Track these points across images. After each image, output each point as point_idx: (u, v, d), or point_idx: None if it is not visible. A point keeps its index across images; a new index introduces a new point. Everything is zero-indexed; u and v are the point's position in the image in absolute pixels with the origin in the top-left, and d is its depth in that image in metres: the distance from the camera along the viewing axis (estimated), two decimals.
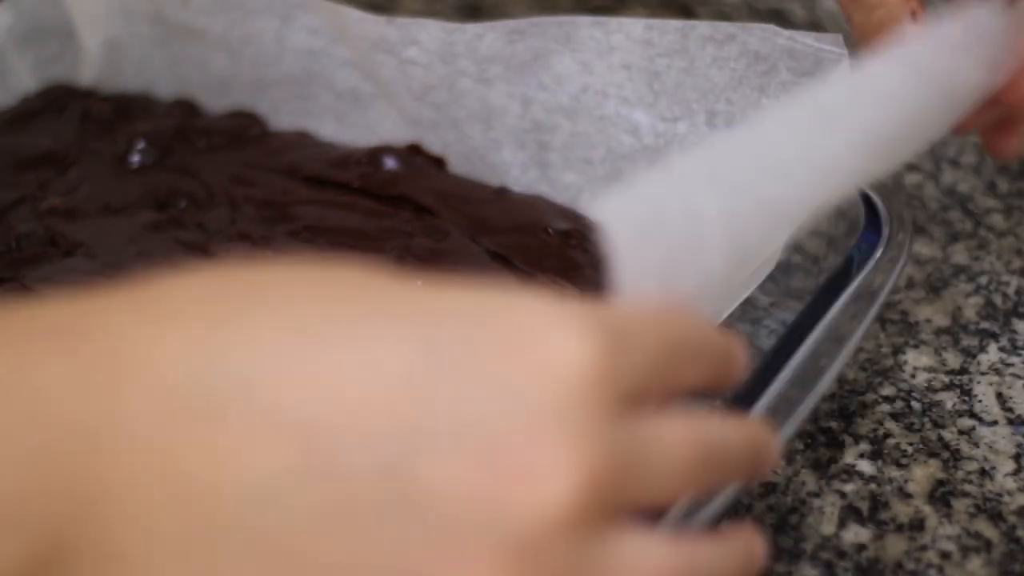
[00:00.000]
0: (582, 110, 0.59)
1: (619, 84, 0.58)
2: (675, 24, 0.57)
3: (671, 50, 0.57)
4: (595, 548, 0.33)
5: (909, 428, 0.56)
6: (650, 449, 0.34)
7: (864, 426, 0.56)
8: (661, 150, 0.58)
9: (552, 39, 0.59)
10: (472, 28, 0.60)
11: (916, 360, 0.58)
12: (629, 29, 0.58)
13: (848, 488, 0.53)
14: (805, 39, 0.54)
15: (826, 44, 0.54)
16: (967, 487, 0.53)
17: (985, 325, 0.60)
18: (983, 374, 0.58)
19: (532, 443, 0.32)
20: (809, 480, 0.54)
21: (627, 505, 0.34)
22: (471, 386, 0.32)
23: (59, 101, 0.68)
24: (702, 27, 0.56)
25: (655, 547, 0.35)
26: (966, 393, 0.57)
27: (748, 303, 0.60)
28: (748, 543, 0.38)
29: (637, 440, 0.34)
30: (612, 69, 0.58)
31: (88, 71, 0.69)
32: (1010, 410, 0.56)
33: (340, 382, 0.32)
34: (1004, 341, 0.59)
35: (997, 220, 0.65)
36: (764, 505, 0.52)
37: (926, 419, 0.56)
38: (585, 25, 0.58)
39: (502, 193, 0.61)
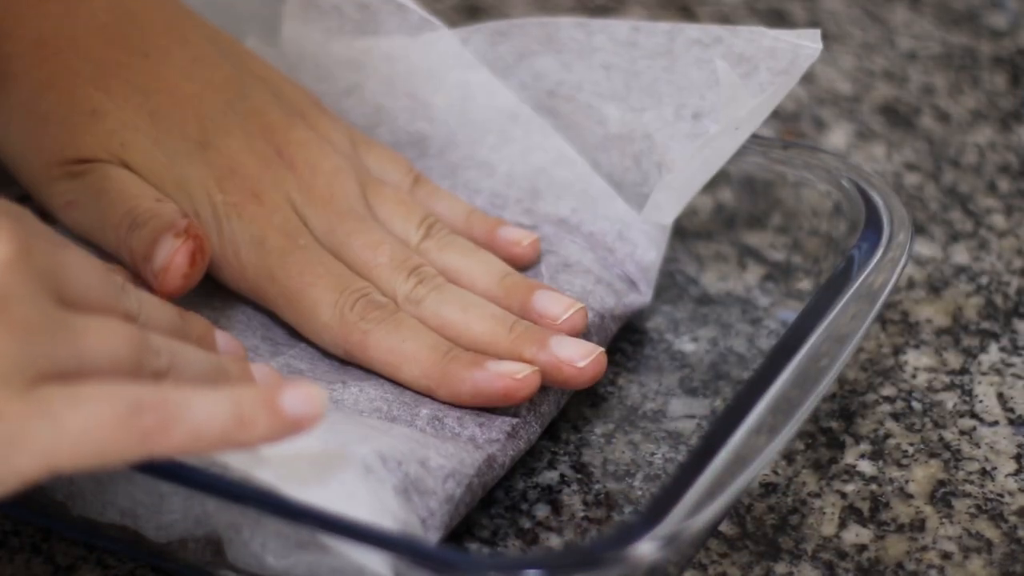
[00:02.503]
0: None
1: (595, 81, 0.58)
2: (663, 27, 0.57)
3: (655, 52, 0.57)
4: (54, 309, 0.40)
5: (910, 428, 0.56)
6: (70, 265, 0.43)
7: (865, 426, 0.56)
8: (626, 137, 0.58)
9: (535, 40, 0.59)
10: (458, 32, 0.60)
11: (917, 360, 0.58)
12: (613, 31, 0.58)
13: (849, 488, 0.53)
14: (787, 37, 0.55)
15: (804, 40, 0.55)
16: (968, 487, 0.53)
17: (986, 325, 0.60)
18: (984, 374, 0.58)
19: None
20: (810, 480, 0.53)
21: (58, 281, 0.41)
22: None
23: None
24: (690, 30, 0.57)
25: (119, 323, 0.42)
26: (967, 393, 0.57)
27: (748, 303, 0.60)
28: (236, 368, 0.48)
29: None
30: (591, 68, 0.58)
31: None
32: (1011, 410, 0.56)
33: None
34: (1005, 341, 0.59)
35: (998, 220, 0.65)
36: (765, 505, 0.52)
37: (927, 419, 0.56)
38: (567, 26, 0.59)
39: None
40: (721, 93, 0.56)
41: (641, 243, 0.57)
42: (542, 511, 0.52)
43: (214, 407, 0.40)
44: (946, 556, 0.51)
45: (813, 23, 0.79)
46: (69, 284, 0.42)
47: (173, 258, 0.51)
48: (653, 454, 0.54)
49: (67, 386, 0.39)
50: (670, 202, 0.57)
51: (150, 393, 0.40)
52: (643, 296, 0.57)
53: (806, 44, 0.55)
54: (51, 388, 0.39)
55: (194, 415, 0.40)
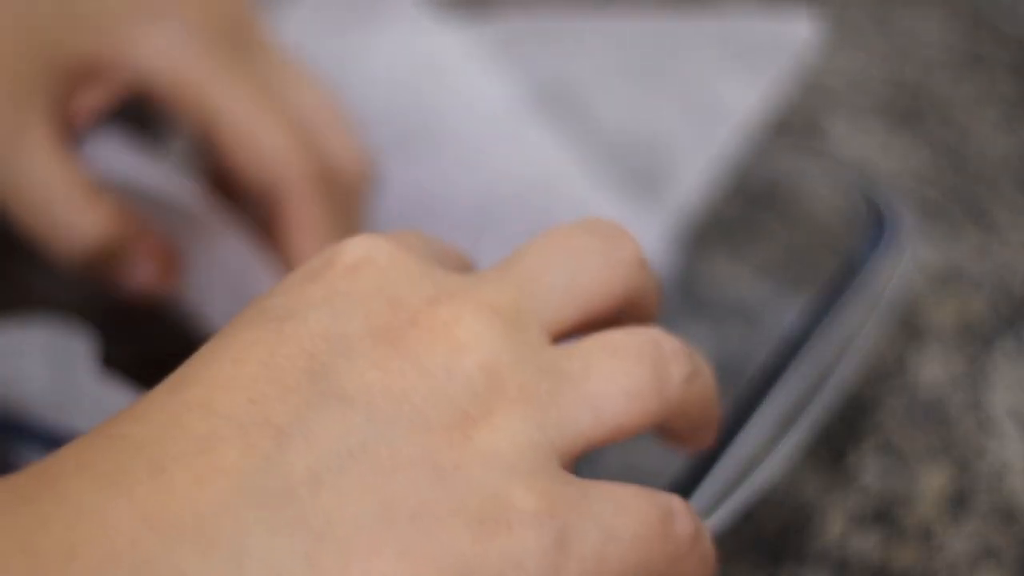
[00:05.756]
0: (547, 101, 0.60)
1: (592, 82, 0.59)
2: (657, 22, 0.58)
3: (651, 49, 0.58)
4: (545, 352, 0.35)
5: (915, 431, 0.55)
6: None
7: (869, 429, 0.55)
8: (626, 139, 0.58)
9: (529, 42, 0.59)
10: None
11: (922, 362, 0.58)
12: (608, 29, 0.59)
13: (853, 493, 0.53)
14: (780, 24, 0.58)
15: (796, 26, 0.58)
16: (976, 491, 0.53)
17: (992, 326, 0.60)
18: (990, 376, 0.58)
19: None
20: (812, 485, 0.53)
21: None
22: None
23: None
24: (685, 25, 0.58)
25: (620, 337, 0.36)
26: (973, 395, 0.57)
27: (749, 304, 0.60)
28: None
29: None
30: (588, 69, 0.59)
31: None
32: (1019, 412, 0.56)
33: None
34: (1011, 342, 0.59)
35: (1003, 221, 0.65)
36: (766, 510, 0.52)
37: (933, 422, 0.56)
38: (563, 27, 0.59)
39: None
40: (729, 92, 0.56)
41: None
42: None
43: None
44: (954, 562, 0.51)
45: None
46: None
47: None
48: (653, 456, 0.53)
49: (599, 482, 0.33)
50: (677, 208, 0.57)
51: (672, 497, 0.34)
52: None
53: (798, 30, 0.57)
54: (580, 481, 0.32)
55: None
